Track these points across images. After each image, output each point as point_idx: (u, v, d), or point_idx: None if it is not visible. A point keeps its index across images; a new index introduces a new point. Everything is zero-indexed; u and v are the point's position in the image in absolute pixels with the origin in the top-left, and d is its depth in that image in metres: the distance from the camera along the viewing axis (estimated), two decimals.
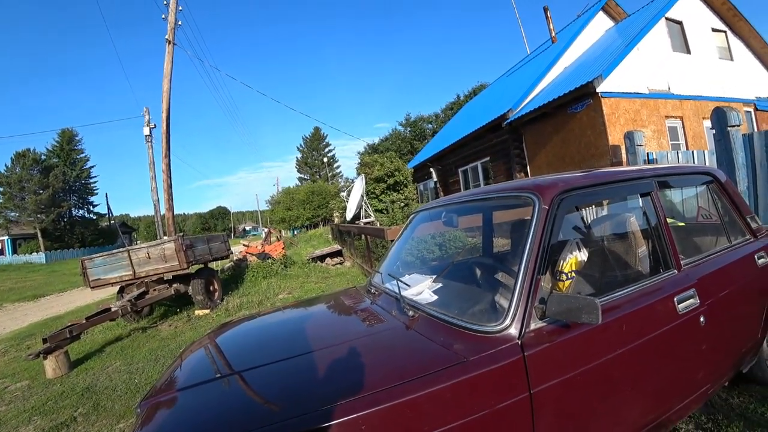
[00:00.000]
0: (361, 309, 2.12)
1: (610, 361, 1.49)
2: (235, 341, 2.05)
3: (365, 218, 11.98)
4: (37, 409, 3.57)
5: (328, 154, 62.72)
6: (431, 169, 15.77)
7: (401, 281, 2.01)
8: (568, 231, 2.12)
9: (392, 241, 3.36)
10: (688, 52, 9.66)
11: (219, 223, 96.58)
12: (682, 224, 2.97)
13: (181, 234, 7.23)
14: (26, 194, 40.59)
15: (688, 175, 2.37)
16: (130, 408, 3.28)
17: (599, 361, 1.46)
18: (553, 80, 10.60)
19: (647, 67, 8.71)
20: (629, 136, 5.28)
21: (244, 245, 17.07)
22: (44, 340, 4.57)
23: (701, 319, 1.78)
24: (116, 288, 7.00)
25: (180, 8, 11.52)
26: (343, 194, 15.64)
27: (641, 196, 1.99)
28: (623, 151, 6.21)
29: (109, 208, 37.16)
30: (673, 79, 9.08)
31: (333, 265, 10.59)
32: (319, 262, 10.89)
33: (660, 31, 9.18)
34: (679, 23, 9.64)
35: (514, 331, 1.38)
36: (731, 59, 10.61)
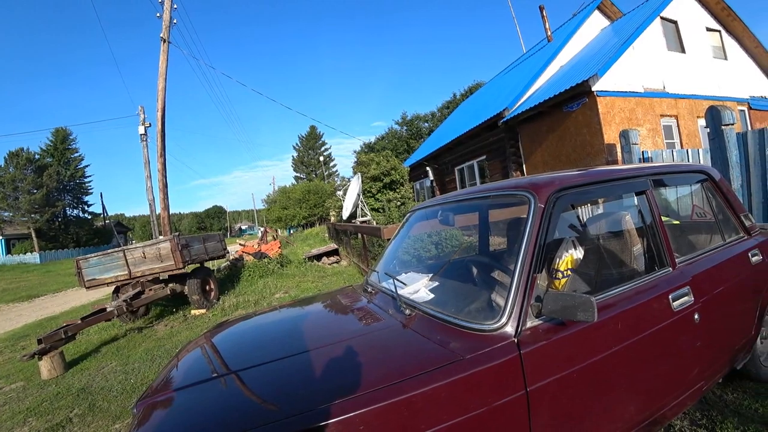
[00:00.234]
0: (358, 308, 2.12)
1: (606, 358, 1.50)
2: (231, 341, 2.05)
3: (361, 217, 11.97)
4: (32, 411, 3.54)
5: (325, 153, 62.59)
6: (427, 168, 15.78)
7: (398, 280, 2.01)
8: (563, 229, 2.13)
9: (389, 239, 3.36)
10: (683, 51, 9.72)
11: (215, 222, 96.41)
12: (677, 222, 2.99)
13: (177, 233, 7.19)
14: (20, 194, 40.17)
15: (683, 174, 2.38)
16: (126, 408, 3.27)
17: (595, 359, 1.47)
18: (548, 79, 10.64)
19: (642, 66, 8.76)
20: (624, 135, 5.32)
21: (240, 244, 16.99)
22: (39, 341, 4.54)
23: (695, 317, 1.79)
24: (111, 288, 6.96)
25: (175, 6, 11.43)
26: (340, 193, 15.60)
27: (636, 195, 2.00)
28: (618, 149, 6.24)
29: (104, 208, 37.04)
30: (668, 78, 9.14)
31: (329, 264, 10.58)
32: (315, 261, 10.88)
33: (655, 30, 9.23)
34: (674, 22, 9.70)
35: (510, 329, 1.39)
36: (725, 58, 10.69)
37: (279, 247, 12.94)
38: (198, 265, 7.61)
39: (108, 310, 5.68)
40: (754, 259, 2.22)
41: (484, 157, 12.06)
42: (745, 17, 10.56)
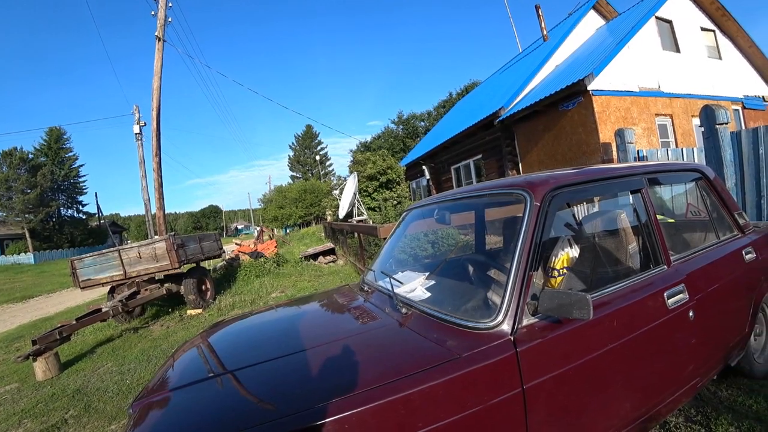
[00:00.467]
0: (354, 307, 2.12)
1: (602, 355, 1.51)
2: (227, 340, 2.04)
3: (358, 216, 11.97)
4: (27, 412, 3.52)
5: (321, 152, 62.49)
6: (424, 167, 15.78)
7: (394, 279, 2.02)
8: (559, 227, 2.13)
9: (385, 238, 3.36)
10: (678, 50, 9.77)
11: (211, 222, 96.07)
12: (672, 221, 3.01)
13: (173, 233, 7.16)
14: (13, 194, 39.85)
15: (678, 172, 2.40)
16: (122, 409, 3.25)
17: (591, 356, 1.48)
18: (544, 78, 10.66)
19: (638, 66, 8.81)
20: (620, 134, 5.34)
21: (236, 244, 16.97)
22: (33, 342, 4.51)
23: (690, 314, 1.81)
24: (107, 288, 6.92)
25: (170, 4, 11.37)
26: (336, 192, 15.60)
27: (632, 193, 2.01)
28: (614, 148, 6.28)
29: (98, 208, 36.77)
30: (663, 77, 9.19)
31: (326, 264, 10.57)
32: (311, 260, 10.86)
33: (650, 29, 9.27)
34: (669, 22, 9.75)
35: (506, 327, 1.39)
36: (720, 58, 10.76)
37: (275, 247, 12.93)
38: (194, 264, 7.58)
39: (103, 310, 5.65)
40: (747, 256, 2.24)
41: (480, 156, 12.08)
42: (739, 17, 10.61)
